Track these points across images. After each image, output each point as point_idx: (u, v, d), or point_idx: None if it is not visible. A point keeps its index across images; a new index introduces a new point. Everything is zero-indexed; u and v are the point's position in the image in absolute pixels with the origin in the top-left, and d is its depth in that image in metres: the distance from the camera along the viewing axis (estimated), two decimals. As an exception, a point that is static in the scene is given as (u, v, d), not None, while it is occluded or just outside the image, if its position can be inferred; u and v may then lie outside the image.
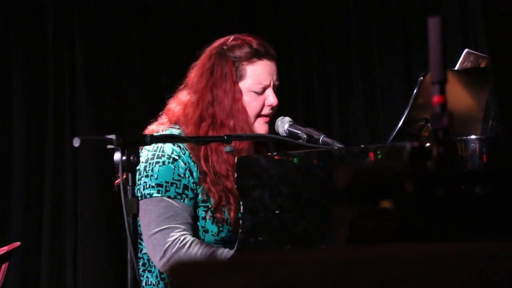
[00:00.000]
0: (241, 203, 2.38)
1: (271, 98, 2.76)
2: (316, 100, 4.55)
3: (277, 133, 2.75)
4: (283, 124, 2.75)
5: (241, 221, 2.37)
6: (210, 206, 2.67)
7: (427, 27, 1.31)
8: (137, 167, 2.32)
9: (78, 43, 4.39)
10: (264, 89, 2.76)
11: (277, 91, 2.80)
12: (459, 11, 4.23)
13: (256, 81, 2.74)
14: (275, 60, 2.79)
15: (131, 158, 2.18)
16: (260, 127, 2.76)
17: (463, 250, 0.98)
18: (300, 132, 2.70)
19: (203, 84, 2.74)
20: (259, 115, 2.76)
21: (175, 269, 0.98)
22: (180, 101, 2.79)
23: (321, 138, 2.65)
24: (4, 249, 2.74)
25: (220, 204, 2.67)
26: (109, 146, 2.20)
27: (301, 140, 2.66)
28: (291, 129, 2.72)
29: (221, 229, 2.68)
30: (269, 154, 2.38)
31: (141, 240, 2.67)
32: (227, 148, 2.47)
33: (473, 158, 2.11)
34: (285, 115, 2.79)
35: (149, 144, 2.32)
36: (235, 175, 2.37)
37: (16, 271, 4.21)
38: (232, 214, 2.67)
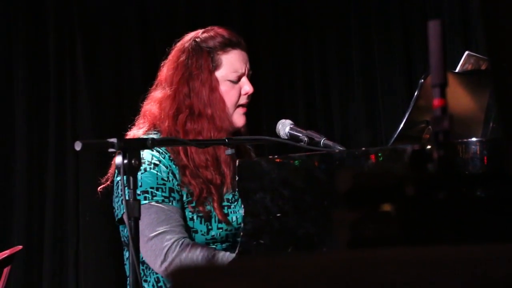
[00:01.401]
0: (242, 206, 2.38)
1: (246, 87, 2.79)
2: (316, 102, 4.54)
3: (278, 136, 2.76)
4: (284, 127, 2.75)
5: (242, 224, 2.38)
6: (192, 199, 2.67)
7: (427, 30, 1.31)
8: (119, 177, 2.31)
9: (79, 46, 4.40)
10: (239, 77, 2.79)
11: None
12: (459, 12, 4.24)
13: (232, 69, 2.77)
14: (246, 50, 2.82)
15: (133, 161, 2.18)
16: (239, 118, 2.79)
17: (464, 253, 0.98)
18: (301, 134, 2.71)
19: (178, 77, 2.75)
20: (237, 105, 2.78)
21: (176, 273, 0.98)
22: (155, 98, 2.79)
23: (322, 141, 2.65)
24: (6, 252, 2.74)
25: (201, 196, 2.67)
26: (111, 150, 2.20)
27: (302, 143, 2.67)
28: (292, 132, 2.73)
29: (210, 227, 2.67)
30: (270, 157, 2.38)
31: None
32: (228, 151, 2.47)
33: (474, 160, 2.11)
34: (286, 118, 2.80)
35: (151, 148, 2.32)
36: (237, 178, 2.37)
37: (18, 275, 4.22)
38: (215, 204, 2.67)
